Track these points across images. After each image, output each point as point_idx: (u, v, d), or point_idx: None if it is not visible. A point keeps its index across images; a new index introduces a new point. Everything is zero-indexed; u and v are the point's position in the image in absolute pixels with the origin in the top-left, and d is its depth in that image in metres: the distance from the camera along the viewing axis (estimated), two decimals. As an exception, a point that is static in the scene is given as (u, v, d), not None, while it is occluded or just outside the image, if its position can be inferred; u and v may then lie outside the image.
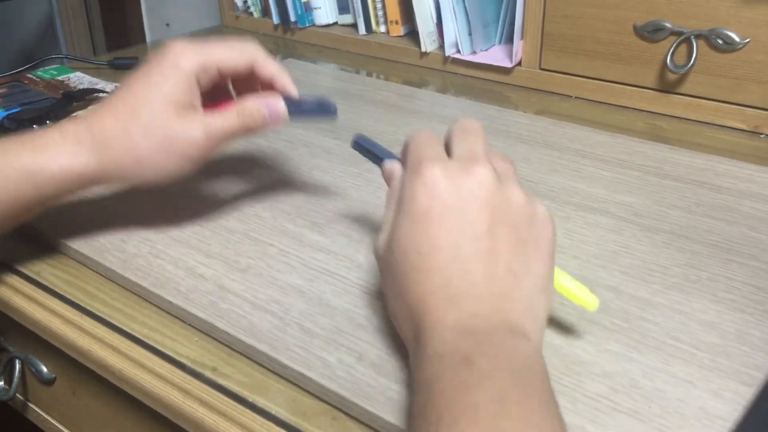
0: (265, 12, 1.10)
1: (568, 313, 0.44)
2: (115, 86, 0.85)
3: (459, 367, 0.31)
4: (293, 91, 0.50)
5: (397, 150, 0.44)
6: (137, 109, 0.46)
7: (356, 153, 0.48)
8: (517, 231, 0.37)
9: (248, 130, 0.49)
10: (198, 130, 0.47)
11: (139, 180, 0.48)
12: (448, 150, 0.41)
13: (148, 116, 0.46)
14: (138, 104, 0.46)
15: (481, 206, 0.37)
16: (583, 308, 0.41)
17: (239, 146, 0.66)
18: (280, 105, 0.49)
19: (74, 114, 0.78)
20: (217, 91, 0.51)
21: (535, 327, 0.36)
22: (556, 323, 0.43)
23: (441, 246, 0.36)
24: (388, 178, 0.43)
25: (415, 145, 0.41)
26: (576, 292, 0.41)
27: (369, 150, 0.46)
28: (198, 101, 0.48)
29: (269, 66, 0.50)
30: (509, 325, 0.34)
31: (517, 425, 0.29)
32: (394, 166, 0.42)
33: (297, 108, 0.50)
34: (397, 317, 0.38)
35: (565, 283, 0.41)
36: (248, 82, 0.52)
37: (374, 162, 0.46)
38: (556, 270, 0.41)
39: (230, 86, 0.53)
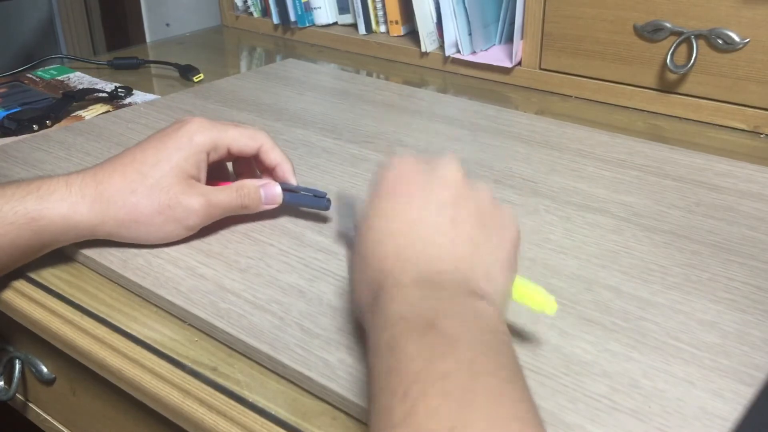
0: (265, 12, 1.10)
1: (568, 313, 0.44)
2: (115, 86, 0.85)
3: (424, 330, 0.31)
4: (292, 180, 0.54)
5: None
6: (146, 172, 0.48)
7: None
8: (480, 214, 0.38)
9: (244, 208, 0.52)
10: (198, 201, 0.49)
11: (134, 239, 0.50)
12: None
13: (154, 180, 0.48)
14: (148, 168, 0.49)
15: (447, 186, 0.38)
16: (543, 313, 0.40)
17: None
18: (277, 190, 0.53)
19: (75, 113, 0.78)
20: (218, 171, 0.54)
21: (497, 293, 0.36)
22: (556, 323, 0.43)
23: (405, 213, 0.37)
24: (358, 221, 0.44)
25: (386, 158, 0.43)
26: (534, 296, 0.40)
27: (348, 203, 0.51)
28: (203, 175, 0.51)
29: (275, 154, 0.53)
30: (469, 285, 0.35)
31: (488, 399, 0.28)
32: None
33: (292, 196, 0.54)
34: (356, 290, 0.39)
35: (522, 288, 0.40)
36: (248, 163, 0.55)
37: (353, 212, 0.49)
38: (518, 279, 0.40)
39: (229, 166, 0.56)
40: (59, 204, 0.47)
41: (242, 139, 0.52)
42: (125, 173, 0.48)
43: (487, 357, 0.30)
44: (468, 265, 0.36)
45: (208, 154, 0.50)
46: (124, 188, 0.48)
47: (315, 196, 0.54)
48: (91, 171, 0.49)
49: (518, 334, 0.42)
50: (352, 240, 0.42)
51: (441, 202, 0.38)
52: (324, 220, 0.54)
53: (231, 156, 0.53)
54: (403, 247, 0.36)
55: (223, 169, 0.56)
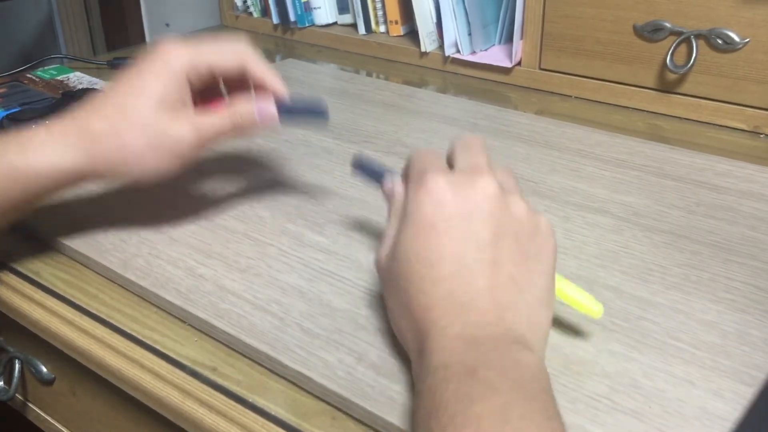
0: (265, 12, 1.10)
1: (568, 313, 0.44)
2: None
3: (463, 378, 0.31)
4: (283, 93, 0.51)
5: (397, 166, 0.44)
6: (126, 107, 0.46)
7: (356, 153, 0.48)
8: (519, 243, 0.37)
9: (238, 131, 0.49)
10: (188, 128, 0.47)
11: (128, 177, 0.48)
12: (450, 164, 0.41)
13: (137, 114, 0.46)
14: (127, 102, 0.46)
15: (486, 217, 0.37)
16: (588, 316, 0.41)
17: (239, 146, 0.66)
18: (271, 107, 0.50)
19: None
20: (209, 91, 0.51)
21: (538, 339, 0.36)
22: (557, 323, 0.43)
23: (445, 255, 0.36)
24: (389, 195, 0.43)
25: (418, 158, 0.41)
26: (581, 300, 0.41)
27: (370, 169, 0.47)
28: (188, 100, 0.48)
29: (259, 68, 0.50)
30: (512, 335, 0.35)
31: None
32: (395, 184, 0.42)
33: (288, 110, 0.50)
34: (402, 330, 0.38)
35: (569, 291, 0.41)
36: (241, 82, 0.52)
37: (375, 180, 0.46)
38: (560, 278, 0.41)
39: (222, 86, 0.53)
40: (44, 154, 0.45)
41: (222, 55, 0.49)
42: (105, 112, 0.46)
43: (522, 402, 0.30)
44: (511, 314, 0.36)
45: (189, 77, 0.48)
46: (108, 128, 0.46)
47: (311, 105, 0.51)
48: (71, 115, 0.47)
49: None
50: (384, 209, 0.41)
51: (481, 241, 0.36)
52: (324, 220, 0.54)
53: (215, 76, 0.50)
54: (446, 296, 0.36)
55: (215, 89, 0.53)
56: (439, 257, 0.36)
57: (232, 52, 0.49)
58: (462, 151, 0.41)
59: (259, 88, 0.51)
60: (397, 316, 0.39)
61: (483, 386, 0.31)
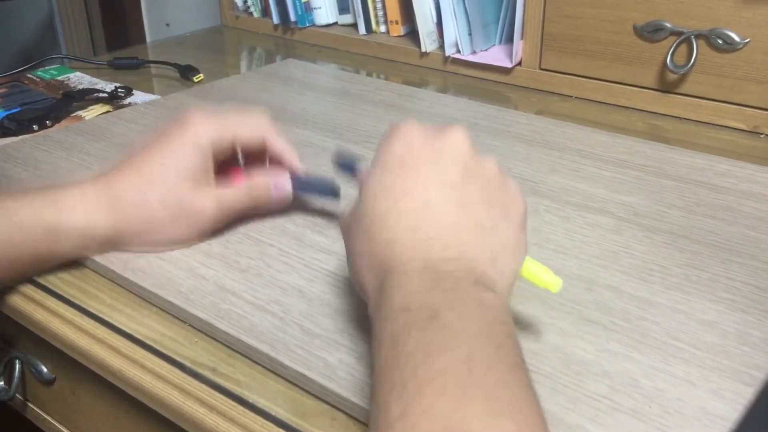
0: (265, 12, 1.10)
1: (568, 313, 0.44)
2: (115, 86, 0.85)
3: (426, 323, 0.31)
4: (299, 169, 0.53)
5: None
6: (154, 179, 0.48)
7: (357, 153, 0.48)
8: (487, 191, 0.37)
9: (255, 208, 0.53)
10: (210, 203, 0.49)
11: (148, 246, 0.50)
12: None
13: (164, 187, 0.48)
14: (156, 174, 0.48)
15: (455, 159, 0.37)
16: (547, 290, 0.40)
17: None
18: (287, 186, 0.53)
19: (75, 113, 0.78)
20: (226, 159, 0.53)
21: (502, 281, 0.36)
22: (556, 323, 0.43)
23: (411, 190, 0.36)
24: (361, 179, 0.43)
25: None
26: (539, 273, 0.40)
27: (348, 162, 0.49)
28: (212, 173, 0.50)
29: (279, 143, 0.53)
30: (475, 275, 0.34)
31: (485, 396, 0.28)
32: (367, 167, 0.42)
33: (302, 186, 0.53)
34: (361, 271, 0.37)
35: (528, 265, 0.40)
36: (257, 151, 0.54)
37: (354, 174, 0.48)
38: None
39: (239, 155, 0.55)
40: (77, 217, 0.47)
41: (245, 131, 0.51)
42: (135, 181, 0.48)
43: (486, 350, 0.30)
44: (474, 253, 0.35)
45: (214, 151, 0.50)
46: (137, 198, 0.48)
47: (324, 185, 0.53)
48: (104, 180, 0.49)
49: (519, 334, 0.42)
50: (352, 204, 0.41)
51: (449, 180, 0.37)
52: (324, 220, 0.54)
53: (236, 148, 0.52)
54: (410, 230, 0.35)
55: (234, 156, 0.54)
56: (404, 191, 0.36)
57: (255, 128, 0.52)
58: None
59: (274, 160, 0.53)
60: (358, 257, 0.38)
61: (446, 333, 0.30)
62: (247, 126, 0.51)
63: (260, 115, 0.53)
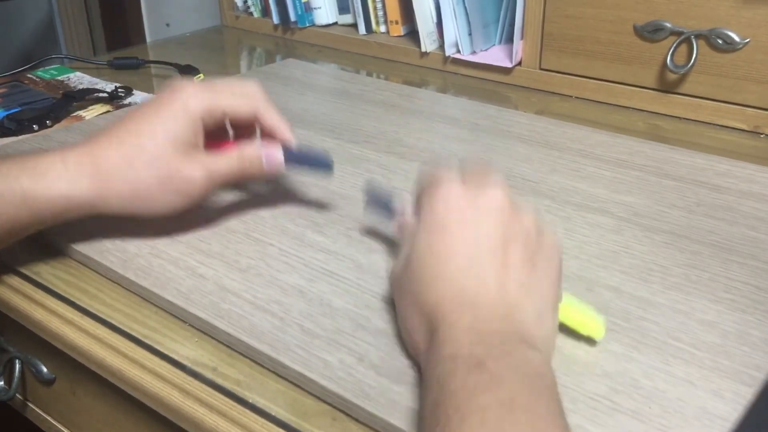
0: (265, 12, 1.10)
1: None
2: (115, 86, 0.85)
3: (471, 369, 0.32)
4: (291, 141, 0.52)
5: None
6: (142, 144, 0.47)
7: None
8: (527, 250, 0.39)
9: (246, 177, 0.51)
10: (199, 170, 0.48)
11: (135, 213, 0.49)
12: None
13: (152, 152, 0.47)
14: (143, 139, 0.48)
15: (497, 222, 0.39)
16: (590, 336, 0.41)
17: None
18: (278, 155, 0.51)
19: (75, 113, 0.78)
20: (216, 132, 0.52)
21: (545, 342, 0.38)
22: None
23: (457, 254, 0.38)
24: (399, 232, 0.45)
25: (430, 172, 0.43)
26: (578, 319, 0.41)
27: (381, 202, 0.49)
28: (201, 142, 0.49)
29: (271, 116, 0.52)
30: (521, 334, 0.35)
31: (522, 429, 0.29)
32: (405, 216, 0.44)
33: (294, 158, 0.52)
34: (412, 329, 0.39)
35: (572, 312, 0.42)
36: (247, 125, 0.53)
37: (386, 213, 0.48)
38: (566, 296, 0.42)
39: (229, 127, 0.54)
40: (56, 182, 0.46)
41: (236, 102, 0.50)
42: (122, 147, 0.47)
43: (527, 396, 0.31)
44: (519, 314, 0.37)
45: (203, 121, 0.49)
46: (123, 162, 0.47)
47: (317, 159, 0.52)
48: (87, 146, 0.48)
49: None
50: (388, 236, 0.43)
51: (492, 242, 0.38)
52: (324, 220, 0.54)
53: (227, 119, 0.51)
54: (457, 293, 0.37)
55: (223, 129, 0.54)
56: (451, 254, 0.38)
57: (246, 100, 0.51)
58: (472, 168, 0.43)
59: (266, 133, 0.52)
60: (408, 315, 0.40)
61: (489, 378, 0.32)
62: (239, 97, 0.51)
63: (252, 87, 0.52)
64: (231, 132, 0.54)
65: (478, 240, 0.38)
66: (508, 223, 0.39)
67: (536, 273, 0.38)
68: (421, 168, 0.44)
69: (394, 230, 0.47)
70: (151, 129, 0.48)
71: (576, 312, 0.42)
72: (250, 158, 0.50)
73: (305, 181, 0.60)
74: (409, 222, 0.43)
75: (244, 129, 0.54)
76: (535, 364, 0.34)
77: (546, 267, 0.39)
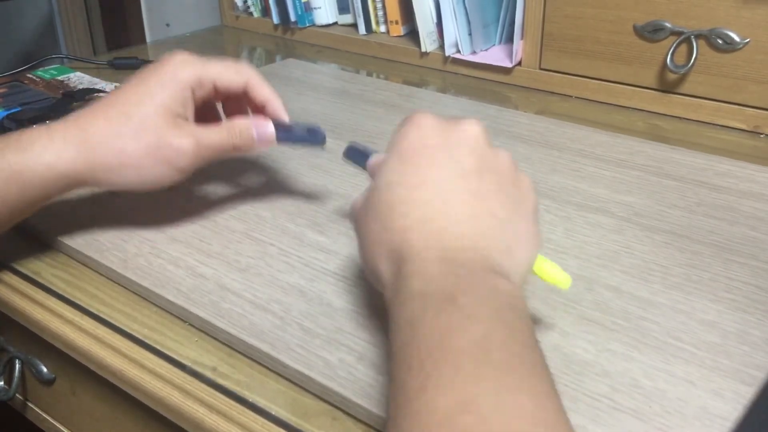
0: (265, 12, 1.10)
1: (568, 313, 0.44)
2: (115, 86, 0.85)
3: (442, 306, 0.31)
4: (284, 116, 0.51)
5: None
6: (130, 113, 0.46)
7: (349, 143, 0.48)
8: (501, 183, 0.38)
9: (236, 148, 0.50)
10: (188, 140, 0.47)
11: (124, 184, 0.48)
12: None
13: (140, 121, 0.46)
14: (131, 108, 0.47)
15: (470, 151, 0.38)
16: (556, 287, 0.40)
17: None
18: (270, 128, 0.50)
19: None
20: (207, 110, 0.52)
21: (516, 270, 0.36)
22: (556, 323, 0.43)
23: (427, 180, 0.37)
24: (372, 170, 0.43)
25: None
26: (549, 270, 0.40)
27: (359, 152, 0.47)
28: (191, 113, 0.49)
29: (263, 89, 0.51)
30: (489, 263, 0.35)
31: (499, 371, 0.28)
32: (379, 157, 0.43)
33: (286, 133, 0.51)
34: (375, 258, 0.37)
35: (539, 262, 0.40)
36: (238, 104, 0.53)
37: (363, 164, 0.46)
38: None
39: (220, 108, 0.53)
40: (42, 154, 0.45)
41: (227, 73, 0.50)
42: (109, 116, 0.47)
43: (501, 332, 0.30)
44: (489, 242, 0.36)
45: (193, 91, 0.48)
46: (110, 132, 0.46)
47: (309, 131, 0.52)
48: (73, 117, 0.47)
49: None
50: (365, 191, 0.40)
51: (465, 170, 0.37)
52: (324, 219, 0.54)
53: (218, 94, 0.51)
54: (426, 219, 0.36)
55: (212, 109, 0.54)
56: (421, 181, 0.37)
57: (237, 72, 0.50)
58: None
59: (258, 110, 0.52)
60: (372, 245, 0.38)
61: (461, 315, 0.31)
62: (230, 71, 0.50)
63: (244, 64, 0.51)
64: (222, 114, 0.53)
65: (450, 167, 0.37)
66: (482, 153, 0.38)
67: (510, 205, 0.37)
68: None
69: (368, 168, 0.44)
70: (139, 98, 0.47)
71: (544, 262, 0.40)
72: (240, 130, 0.49)
73: (305, 181, 0.60)
74: (382, 158, 0.41)
75: (235, 108, 0.53)
76: (506, 294, 0.33)
77: (521, 202, 0.38)
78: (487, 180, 0.37)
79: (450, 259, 0.34)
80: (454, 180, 0.37)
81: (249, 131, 0.50)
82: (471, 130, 0.38)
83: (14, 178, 0.44)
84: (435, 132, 0.38)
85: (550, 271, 0.40)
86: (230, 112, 0.53)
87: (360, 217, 0.40)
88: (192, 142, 0.47)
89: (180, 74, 0.48)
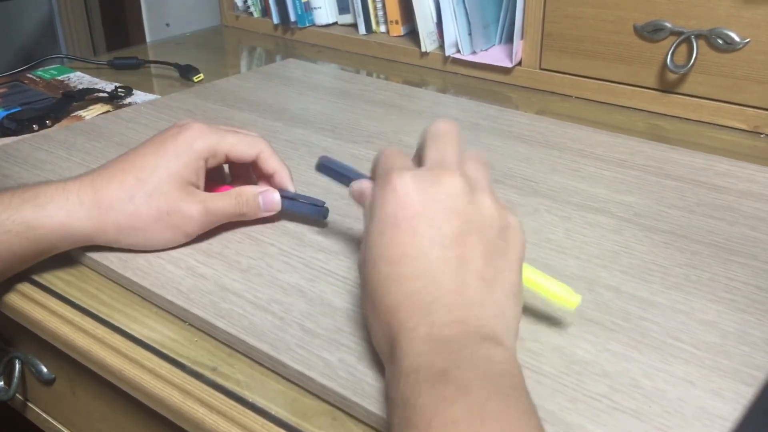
0: (265, 12, 1.10)
1: (568, 313, 0.44)
2: (115, 86, 0.85)
3: (435, 381, 0.31)
4: (290, 188, 0.53)
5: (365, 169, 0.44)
6: (145, 179, 0.48)
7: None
8: (486, 240, 0.37)
9: (242, 215, 0.52)
10: (197, 207, 0.49)
11: (132, 244, 0.50)
12: (421, 156, 0.41)
13: (153, 187, 0.48)
14: (147, 175, 0.48)
15: (450, 215, 0.37)
16: (565, 307, 0.41)
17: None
18: (276, 197, 0.52)
19: (75, 113, 0.78)
20: (214, 174, 0.53)
21: (508, 334, 0.36)
22: (556, 323, 0.43)
23: (409, 254, 0.36)
24: (358, 198, 0.43)
25: (384, 157, 0.42)
26: (557, 292, 0.41)
27: (336, 171, 0.48)
28: (202, 182, 0.50)
29: (273, 161, 0.53)
30: (481, 333, 0.34)
31: None
32: (362, 185, 0.43)
33: (291, 203, 0.53)
34: (375, 334, 0.38)
35: (545, 283, 0.41)
36: (244, 167, 0.54)
37: (342, 183, 0.47)
38: (534, 270, 0.41)
39: (227, 169, 0.56)
40: (57, 212, 0.46)
41: (241, 146, 0.51)
42: (123, 180, 0.48)
43: (496, 401, 0.30)
44: (479, 310, 0.35)
45: (206, 161, 0.50)
46: (123, 195, 0.48)
47: (313, 204, 0.53)
48: (89, 177, 0.49)
49: (518, 332, 0.42)
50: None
51: (447, 238, 0.36)
52: (324, 221, 0.54)
53: (229, 161, 0.53)
54: (411, 294, 0.35)
55: (220, 171, 0.56)
56: (402, 256, 0.36)
57: (250, 145, 0.52)
58: (432, 143, 0.41)
59: (264, 177, 0.54)
60: (370, 318, 0.38)
61: (455, 388, 0.30)
62: (243, 142, 0.52)
63: (257, 136, 0.53)
64: (229, 178, 0.56)
65: (431, 237, 0.36)
66: (464, 212, 0.37)
67: (496, 262, 0.37)
68: (378, 151, 0.43)
69: (351, 195, 0.44)
70: (155, 164, 0.48)
71: (549, 282, 0.41)
72: (247, 198, 0.52)
73: (306, 180, 0.60)
74: (367, 192, 0.41)
75: (241, 169, 0.55)
76: (500, 363, 0.33)
77: (506, 252, 0.37)
78: (471, 243, 0.36)
79: (440, 335, 0.34)
80: (436, 250, 0.36)
81: (256, 200, 0.52)
82: (451, 186, 0.37)
83: (27, 233, 0.46)
84: (413, 196, 0.37)
85: (559, 293, 0.41)
86: (235, 173, 0.56)
87: (361, 280, 0.40)
88: (201, 209, 0.49)
89: (196, 145, 0.49)
